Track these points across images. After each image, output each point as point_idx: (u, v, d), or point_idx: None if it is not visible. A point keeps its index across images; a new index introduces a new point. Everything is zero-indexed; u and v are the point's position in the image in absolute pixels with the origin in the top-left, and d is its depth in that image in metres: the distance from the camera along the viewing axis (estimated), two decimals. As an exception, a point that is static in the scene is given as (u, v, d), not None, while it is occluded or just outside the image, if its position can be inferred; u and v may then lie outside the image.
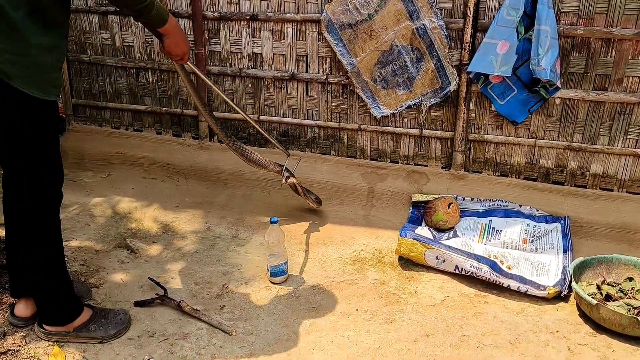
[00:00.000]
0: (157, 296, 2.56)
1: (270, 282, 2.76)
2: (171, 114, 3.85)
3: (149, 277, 2.72)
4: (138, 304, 2.55)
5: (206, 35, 3.55)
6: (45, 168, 2.09)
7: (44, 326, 2.28)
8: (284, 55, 3.43)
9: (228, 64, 3.58)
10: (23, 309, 2.36)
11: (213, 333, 2.39)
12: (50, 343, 2.28)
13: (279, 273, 2.74)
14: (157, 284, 2.65)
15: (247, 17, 3.42)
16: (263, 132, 3.10)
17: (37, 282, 2.21)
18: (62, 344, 2.29)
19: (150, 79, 3.80)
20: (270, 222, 2.70)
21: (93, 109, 4.06)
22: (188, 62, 2.44)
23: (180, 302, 2.51)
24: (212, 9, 3.48)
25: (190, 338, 2.35)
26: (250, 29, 3.44)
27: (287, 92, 3.53)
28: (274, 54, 3.45)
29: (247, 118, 3.07)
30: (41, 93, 1.94)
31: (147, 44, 3.70)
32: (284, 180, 3.09)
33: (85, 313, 2.32)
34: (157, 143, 3.90)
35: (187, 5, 3.52)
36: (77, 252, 2.98)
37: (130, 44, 3.74)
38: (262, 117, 3.63)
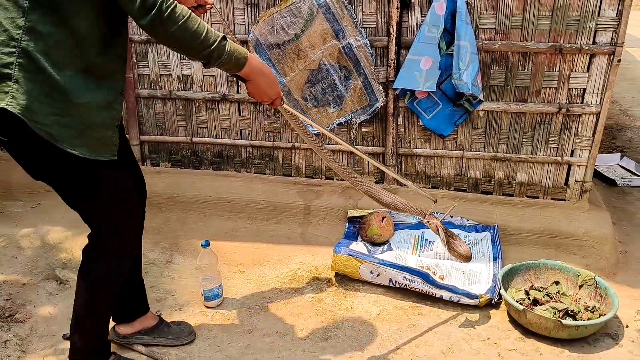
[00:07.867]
0: (85, 328, 2.48)
1: (205, 306, 2.72)
2: (102, 139, 3.76)
3: (77, 309, 2.63)
4: (67, 337, 2.46)
5: (134, 59, 3.49)
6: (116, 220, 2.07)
7: None
8: (214, 76, 3.41)
9: (158, 87, 3.53)
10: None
11: (144, 363, 2.33)
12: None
13: (213, 297, 2.70)
14: (86, 315, 2.56)
15: (175, 39, 3.39)
16: (400, 178, 2.67)
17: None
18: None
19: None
20: (202, 245, 2.67)
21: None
22: (284, 105, 2.12)
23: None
24: (139, 32, 3.43)
25: (121, 369, 2.29)
26: (178, 51, 3.41)
27: (219, 113, 3.51)
28: (203, 75, 3.43)
29: (376, 163, 2.54)
30: (92, 153, 1.81)
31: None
32: (428, 223, 2.54)
33: None
34: (88, 169, 3.80)
35: (114, 28, 3.44)
36: (2, 286, 2.86)
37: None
38: (194, 139, 3.59)
